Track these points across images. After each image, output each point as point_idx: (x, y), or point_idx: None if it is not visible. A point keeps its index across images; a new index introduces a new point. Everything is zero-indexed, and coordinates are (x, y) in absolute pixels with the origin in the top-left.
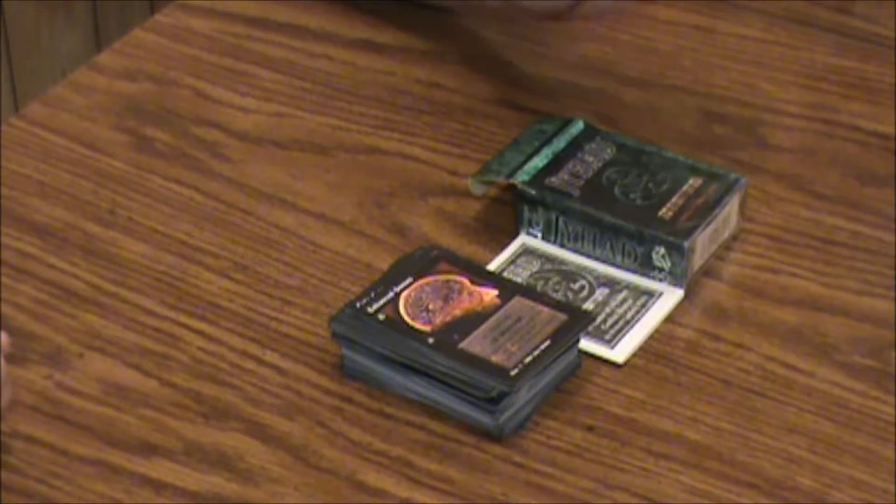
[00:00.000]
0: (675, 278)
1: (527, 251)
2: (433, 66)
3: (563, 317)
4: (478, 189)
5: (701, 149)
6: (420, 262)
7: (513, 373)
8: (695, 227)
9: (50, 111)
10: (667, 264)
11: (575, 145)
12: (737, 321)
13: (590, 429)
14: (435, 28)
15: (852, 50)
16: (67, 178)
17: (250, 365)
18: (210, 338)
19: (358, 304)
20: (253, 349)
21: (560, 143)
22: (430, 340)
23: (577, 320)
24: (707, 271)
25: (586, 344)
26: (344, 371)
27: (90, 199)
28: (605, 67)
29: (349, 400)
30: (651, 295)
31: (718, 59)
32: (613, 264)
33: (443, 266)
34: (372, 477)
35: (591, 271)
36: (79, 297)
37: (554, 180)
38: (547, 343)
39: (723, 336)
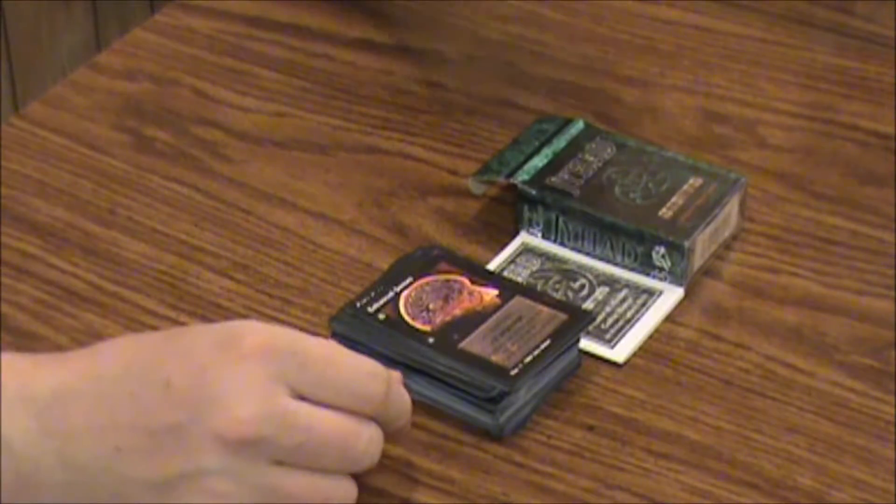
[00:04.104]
0: (675, 278)
1: (527, 250)
2: (433, 66)
3: (563, 316)
4: (477, 189)
5: (701, 148)
6: (420, 261)
7: (513, 372)
8: (695, 227)
9: (50, 111)
10: (667, 264)
11: (575, 145)
12: (737, 321)
13: (590, 429)
14: (435, 28)
15: (852, 50)
16: (67, 178)
17: None
18: None
19: (358, 304)
20: None
21: (560, 142)
22: (431, 340)
23: (578, 320)
24: (707, 271)
25: (586, 343)
26: None
27: (90, 198)
28: (605, 67)
29: None
30: (651, 294)
31: (718, 59)
32: (613, 263)
33: (443, 266)
34: (372, 477)
35: (591, 270)
36: (79, 297)
37: (554, 180)
38: (547, 343)
39: (723, 336)
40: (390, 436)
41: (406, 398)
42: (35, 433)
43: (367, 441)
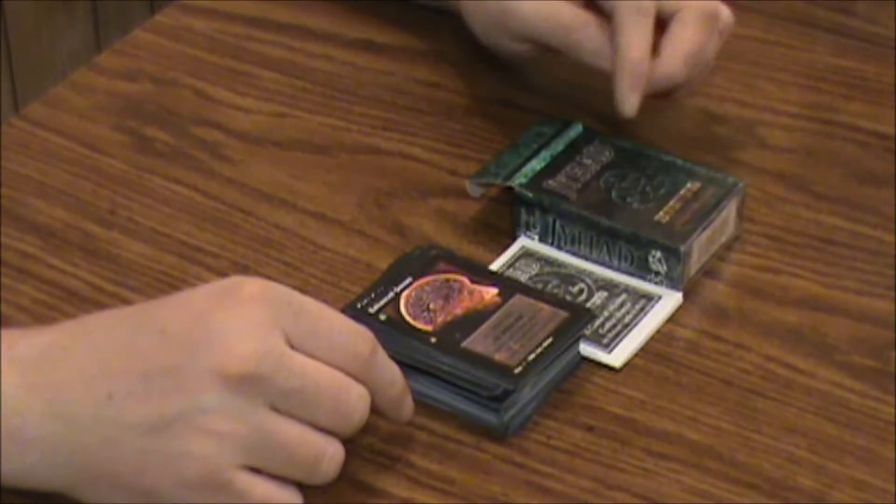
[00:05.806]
0: (671, 282)
1: (527, 254)
2: (433, 66)
3: (564, 314)
4: (475, 191)
5: (700, 149)
6: (419, 261)
7: (517, 370)
8: (691, 232)
9: (50, 111)
10: (663, 268)
11: (573, 148)
12: (737, 321)
13: (590, 429)
14: (435, 28)
15: (852, 50)
16: (67, 178)
17: None
18: None
19: (359, 305)
20: None
21: (558, 145)
22: (433, 340)
23: (579, 317)
24: (707, 271)
25: (583, 348)
26: None
27: (90, 199)
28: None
29: None
30: (650, 299)
31: (718, 59)
32: (611, 267)
33: (441, 265)
34: (372, 477)
35: (589, 275)
36: (79, 297)
37: (551, 183)
38: (549, 340)
39: (723, 336)
40: (388, 404)
41: (393, 366)
42: (20, 389)
43: (356, 396)
